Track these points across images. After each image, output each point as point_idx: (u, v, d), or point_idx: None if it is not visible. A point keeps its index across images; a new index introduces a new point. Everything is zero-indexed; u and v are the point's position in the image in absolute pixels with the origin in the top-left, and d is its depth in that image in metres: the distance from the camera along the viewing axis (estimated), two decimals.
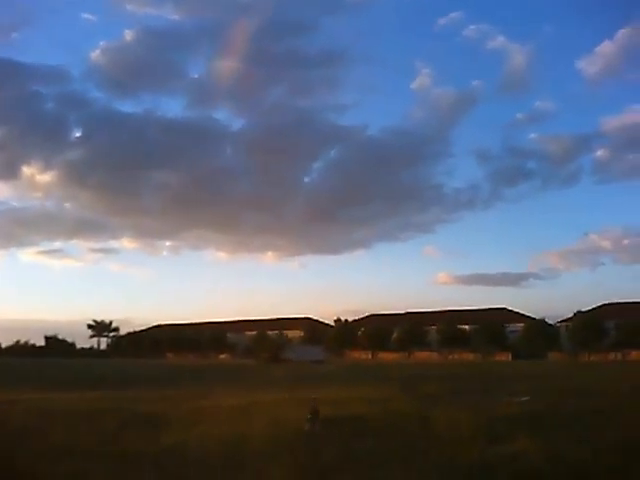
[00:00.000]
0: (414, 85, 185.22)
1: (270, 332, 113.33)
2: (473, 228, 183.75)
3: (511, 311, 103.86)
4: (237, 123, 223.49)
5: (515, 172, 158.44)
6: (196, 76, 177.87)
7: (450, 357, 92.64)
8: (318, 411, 12.02)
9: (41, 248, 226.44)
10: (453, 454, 9.87)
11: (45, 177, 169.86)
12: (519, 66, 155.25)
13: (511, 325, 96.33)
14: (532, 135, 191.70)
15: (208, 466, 9.12)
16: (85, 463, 9.35)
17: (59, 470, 8.92)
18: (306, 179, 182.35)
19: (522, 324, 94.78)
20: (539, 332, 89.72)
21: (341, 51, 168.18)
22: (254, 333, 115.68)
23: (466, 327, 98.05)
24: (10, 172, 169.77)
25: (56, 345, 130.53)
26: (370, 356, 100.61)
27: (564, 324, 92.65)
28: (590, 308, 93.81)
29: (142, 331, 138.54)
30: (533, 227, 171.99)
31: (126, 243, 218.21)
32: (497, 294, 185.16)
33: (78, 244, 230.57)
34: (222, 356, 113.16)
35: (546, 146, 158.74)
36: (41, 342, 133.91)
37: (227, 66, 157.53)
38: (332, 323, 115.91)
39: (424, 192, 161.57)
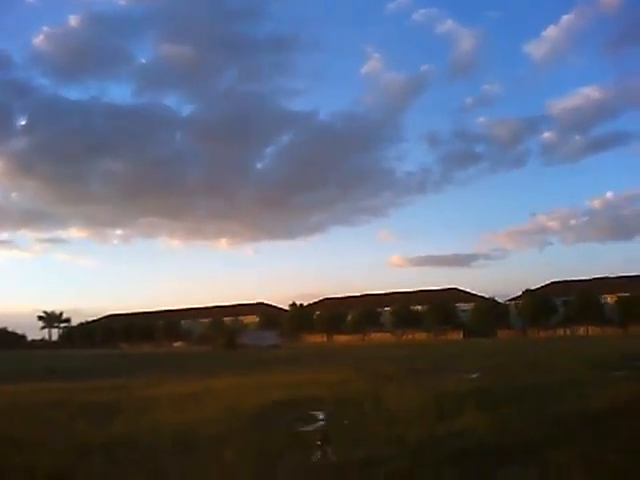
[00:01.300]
0: (364, 70, 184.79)
1: (225, 318, 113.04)
2: (425, 211, 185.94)
3: (462, 291, 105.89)
4: (187, 109, 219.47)
5: (465, 155, 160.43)
6: (144, 61, 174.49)
7: (404, 337, 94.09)
8: (329, 436, 8.80)
9: None
10: (403, 431, 10.07)
11: None
12: (467, 50, 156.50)
13: (462, 304, 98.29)
14: (481, 119, 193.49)
15: (159, 452, 9.11)
16: (35, 456, 9.20)
17: (8, 464, 8.76)
18: (259, 165, 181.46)
19: (472, 303, 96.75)
20: (489, 310, 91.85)
21: (291, 36, 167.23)
22: (209, 320, 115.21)
23: (419, 308, 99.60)
24: None
25: (6, 337, 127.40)
26: (325, 339, 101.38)
27: (513, 302, 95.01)
28: (539, 286, 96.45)
29: (94, 321, 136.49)
30: (482, 209, 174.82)
31: (75, 233, 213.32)
32: (448, 275, 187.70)
33: (26, 234, 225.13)
34: (177, 344, 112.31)
35: (494, 129, 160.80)
36: None
37: (176, 51, 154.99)
38: (287, 308, 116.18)
39: (376, 176, 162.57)
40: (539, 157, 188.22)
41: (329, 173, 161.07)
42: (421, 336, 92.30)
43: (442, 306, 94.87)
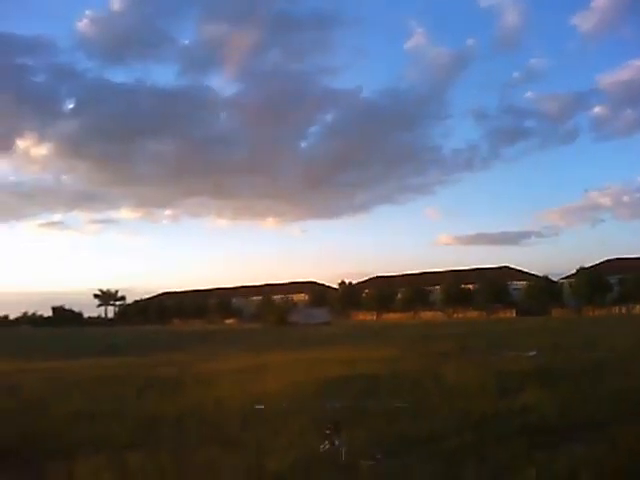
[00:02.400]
0: (408, 45, 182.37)
1: (275, 297, 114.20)
2: (473, 188, 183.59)
3: (513, 269, 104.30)
4: (231, 89, 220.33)
5: (513, 131, 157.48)
6: (187, 42, 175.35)
7: (455, 316, 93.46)
8: (339, 424, 8.01)
9: (41, 221, 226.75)
10: (465, 407, 10.10)
11: (41, 150, 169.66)
12: (513, 23, 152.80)
13: (514, 283, 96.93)
14: (529, 94, 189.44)
15: (227, 424, 9.36)
16: (107, 427, 9.55)
17: (82, 434, 9.11)
18: (303, 144, 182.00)
19: (525, 282, 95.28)
20: (542, 289, 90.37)
21: (332, 12, 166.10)
22: (259, 298, 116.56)
23: (469, 286, 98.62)
24: (4, 146, 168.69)
25: (63, 315, 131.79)
26: (375, 317, 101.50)
27: (567, 280, 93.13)
28: (593, 264, 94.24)
29: (148, 299, 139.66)
30: (533, 185, 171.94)
31: (126, 213, 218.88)
32: (499, 253, 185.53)
33: (78, 215, 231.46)
34: (228, 321, 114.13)
35: (543, 104, 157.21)
36: (48, 313, 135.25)
37: (218, 31, 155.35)
38: (336, 286, 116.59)
39: (422, 154, 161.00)
40: (590, 132, 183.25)
41: (374, 151, 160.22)
42: (472, 315, 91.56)
43: (494, 284, 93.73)
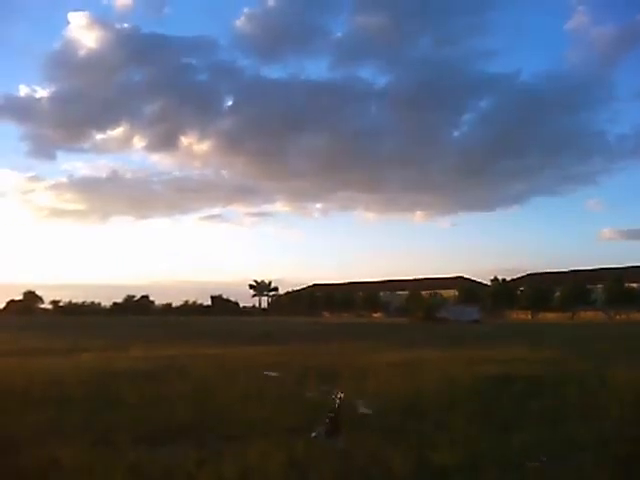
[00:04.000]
0: (569, 25, 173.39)
1: (423, 292, 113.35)
2: None
3: None
4: (382, 80, 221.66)
5: None
6: (340, 35, 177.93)
7: (617, 317, 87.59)
8: (339, 410, 8.07)
9: (202, 214, 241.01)
10: (637, 411, 9.52)
11: (202, 146, 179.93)
12: None
13: None
14: None
15: (391, 413, 9.50)
16: (271, 410, 9.99)
17: (250, 416, 9.61)
18: (455, 133, 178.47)
19: None
20: None
21: None
22: (406, 292, 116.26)
23: (634, 285, 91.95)
24: (170, 143, 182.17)
25: (221, 304, 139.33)
26: (530, 316, 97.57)
27: None
28: None
29: (299, 290, 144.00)
30: None
31: (280, 207, 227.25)
32: None
33: (236, 209, 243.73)
34: (375, 315, 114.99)
35: None
36: (208, 302, 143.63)
37: (370, 21, 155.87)
38: (487, 282, 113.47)
39: (584, 140, 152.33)
40: None
41: (532, 139, 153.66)
42: (637, 316, 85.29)
43: None
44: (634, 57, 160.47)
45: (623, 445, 7.62)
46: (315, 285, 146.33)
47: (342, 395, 8.62)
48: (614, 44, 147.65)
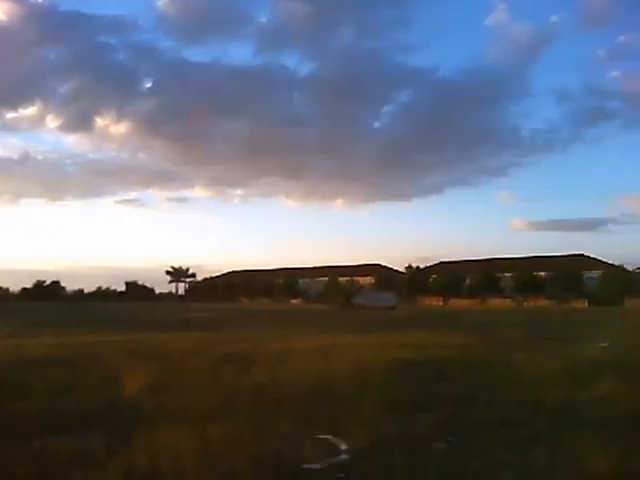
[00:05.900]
0: (489, 22, 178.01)
1: (341, 278, 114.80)
2: (550, 171, 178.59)
3: (590, 258, 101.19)
4: (305, 68, 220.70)
5: (596, 112, 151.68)
6: (264, 20, 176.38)
7: (525, 304, 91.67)
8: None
9: (118, 198, 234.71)
10: (538, 395, 10.02)
11: (119, 128, 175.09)
12: None
13: (590, 272, 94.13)
14: (614, 73, 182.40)
15: (304, 399, 9.59)
16: (190, 400, 9.89)
17: (163, 404, 9.51)
18: (376, 124, 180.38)
19: (600, 271, 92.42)
20: (617, 279, 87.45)
21: None
22: (325, 279, 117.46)
23: (542, 274, 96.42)
24: (84, 123, 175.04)
25: (136, 290, 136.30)
26: (441, 302, 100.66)
27: None
28: None
29: (217, 277, 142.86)
30: (613, 170, 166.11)
31: (199, 192, 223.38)
32: (574, 240, 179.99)
33: (153, 193, 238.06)
34: (294, 301, 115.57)
35: (629, 85, 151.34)
36: (122, 288, 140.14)
37: (295, 9, 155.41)
38: (403, 270, 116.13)
39: (499, 134, 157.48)
40: None
41: (449, 131, 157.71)
42: (543, 303, 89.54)
43: (568, 273, 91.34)
44: (548, 55, 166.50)
45: (524, 427, 8.01)
46: (233, 272, 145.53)
47: None
48: (531, 42, 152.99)
